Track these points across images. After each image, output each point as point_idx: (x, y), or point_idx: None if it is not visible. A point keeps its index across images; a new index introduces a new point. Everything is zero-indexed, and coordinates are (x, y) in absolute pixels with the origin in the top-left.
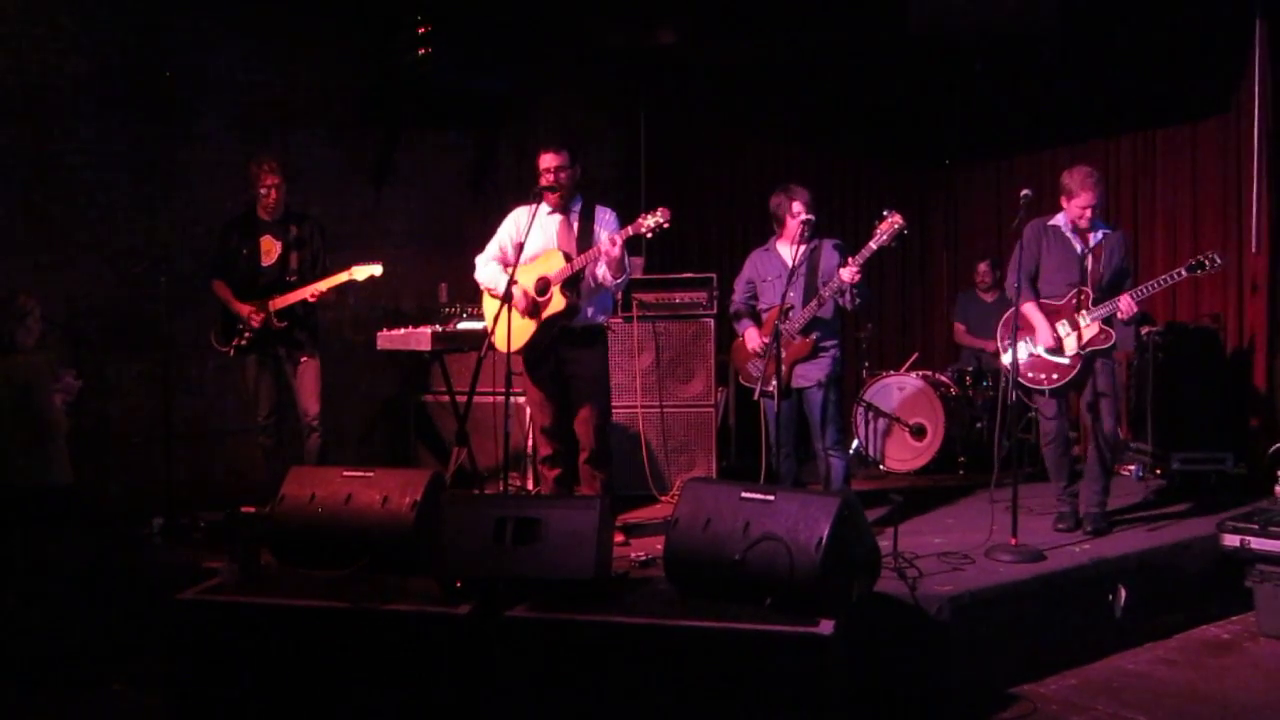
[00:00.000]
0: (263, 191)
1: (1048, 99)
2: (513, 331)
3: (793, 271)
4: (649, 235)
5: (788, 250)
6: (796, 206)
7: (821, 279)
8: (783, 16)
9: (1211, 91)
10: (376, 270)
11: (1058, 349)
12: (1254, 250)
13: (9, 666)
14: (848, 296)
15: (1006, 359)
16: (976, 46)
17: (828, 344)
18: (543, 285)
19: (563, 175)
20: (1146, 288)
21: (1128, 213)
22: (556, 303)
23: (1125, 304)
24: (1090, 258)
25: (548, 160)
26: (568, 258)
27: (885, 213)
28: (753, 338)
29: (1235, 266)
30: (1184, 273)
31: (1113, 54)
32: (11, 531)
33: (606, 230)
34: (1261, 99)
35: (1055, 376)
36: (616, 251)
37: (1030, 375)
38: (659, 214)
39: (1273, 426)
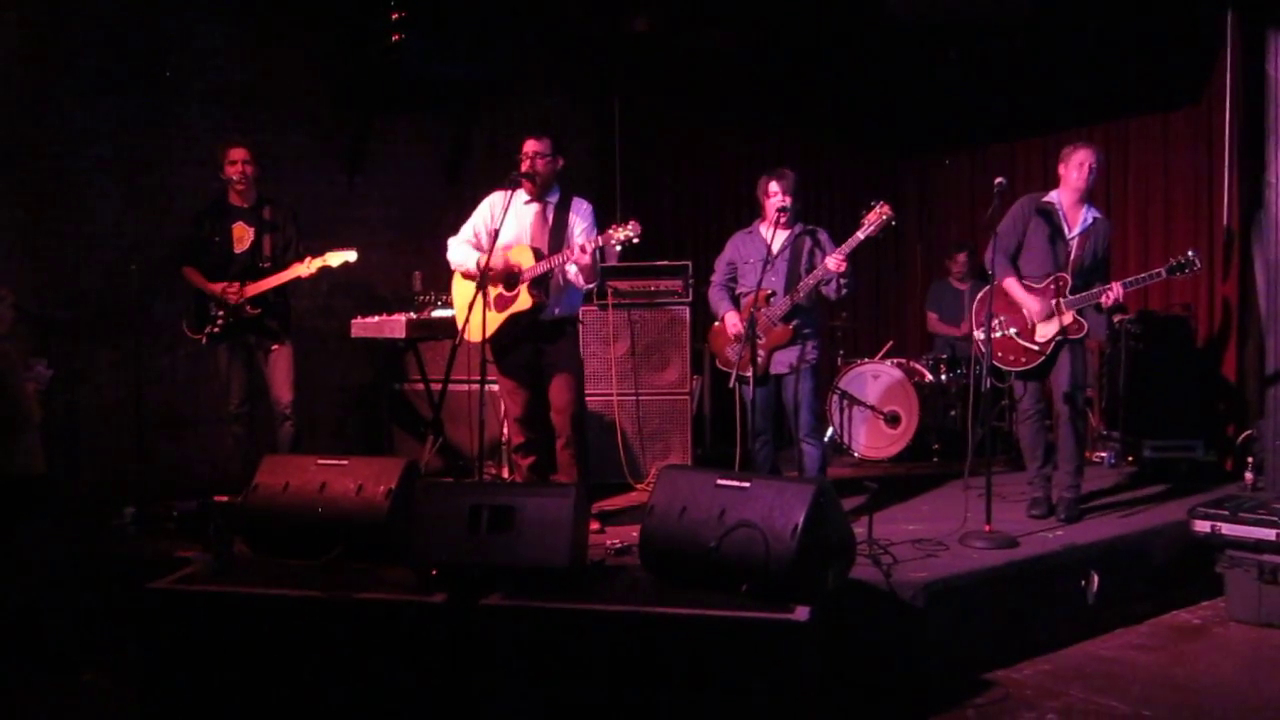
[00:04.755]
0: (232, 173)
1: (1021, 88)
2: (484, 321)
3: (773, 257)
4: (619, 248)
5: (769, 234)
6: (773, 187)
7: (803, 267)
8: (757, 4)
9: (1183, 81)
10: (351, 256)
11: (1030, 333)
12: (1225, 240)
13: None
14: (834, 285)
15: (980, 335)
16: (950, 35)
17: (807, 331)
18: (511, 280)
19: (541, 162)
20: (1130, 283)
21: (1100, 202)
22: (523, 300)
23: (1116, 290)
24: (1075, 244)
25: (530, 146)
26: (538, 255)
27: (873, 203)
28: (733, 322)
29: (1206, 256)
30: (1164, 273)
31: (1085, 43)
32: None
33: (582, 223)
34: (1233, 89)
35: (1024, 360)
36: (587, 260)
37: (1000, 355)
38: (630, 227)
39: (1243, 414)
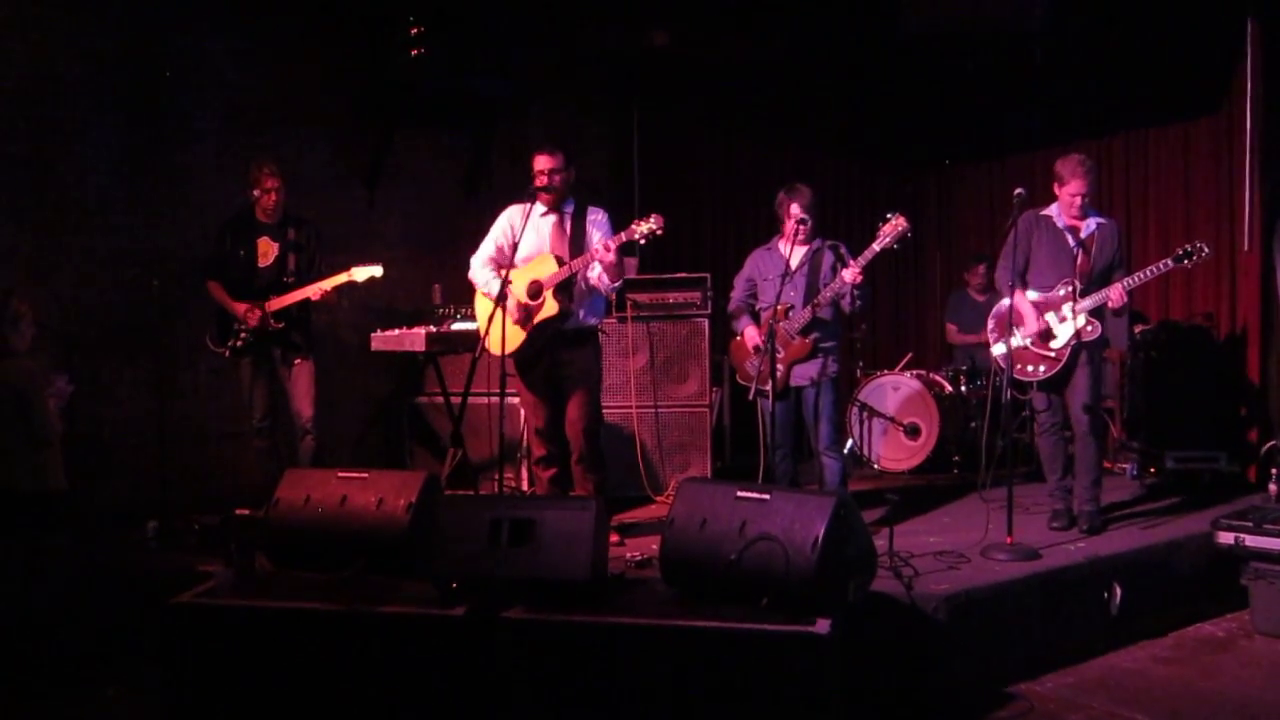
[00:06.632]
0: (260, 193)
1: (1040, 99)
2: (505, 335)
3: (791, 272)
4: (643, 242)
5: (788, 249)
6: (795, 208)
7: (823, 280)
8: (775, 17)
9: (1203, 91)
10: (377, 271)
11: (1045, 340)
12: (1246, 249)
13: (5, 672)
14: (848, 299)
15: (995, 350)
16: (968, 47)
17: (827, 344)
18: (535, 289)
19: (556, 177)
20: (1135, 279)
21: (1120, 212)
22: (549, 307)
23: (1116, 294)
24: (1081, 251)
25: (542, 162)
26: (560, 262)
27: (889, 215)
28: (752, 336)
29: (1228, 265)
30: (1170, 263)
31: (1105, 54)
32: (6, 537)
33: (599, 231)
34: (1253, 99)
35: (1042, 369)
36: (612, 258)
37: (1018, 367)
38: (652, 220)
39: (1266, 424)
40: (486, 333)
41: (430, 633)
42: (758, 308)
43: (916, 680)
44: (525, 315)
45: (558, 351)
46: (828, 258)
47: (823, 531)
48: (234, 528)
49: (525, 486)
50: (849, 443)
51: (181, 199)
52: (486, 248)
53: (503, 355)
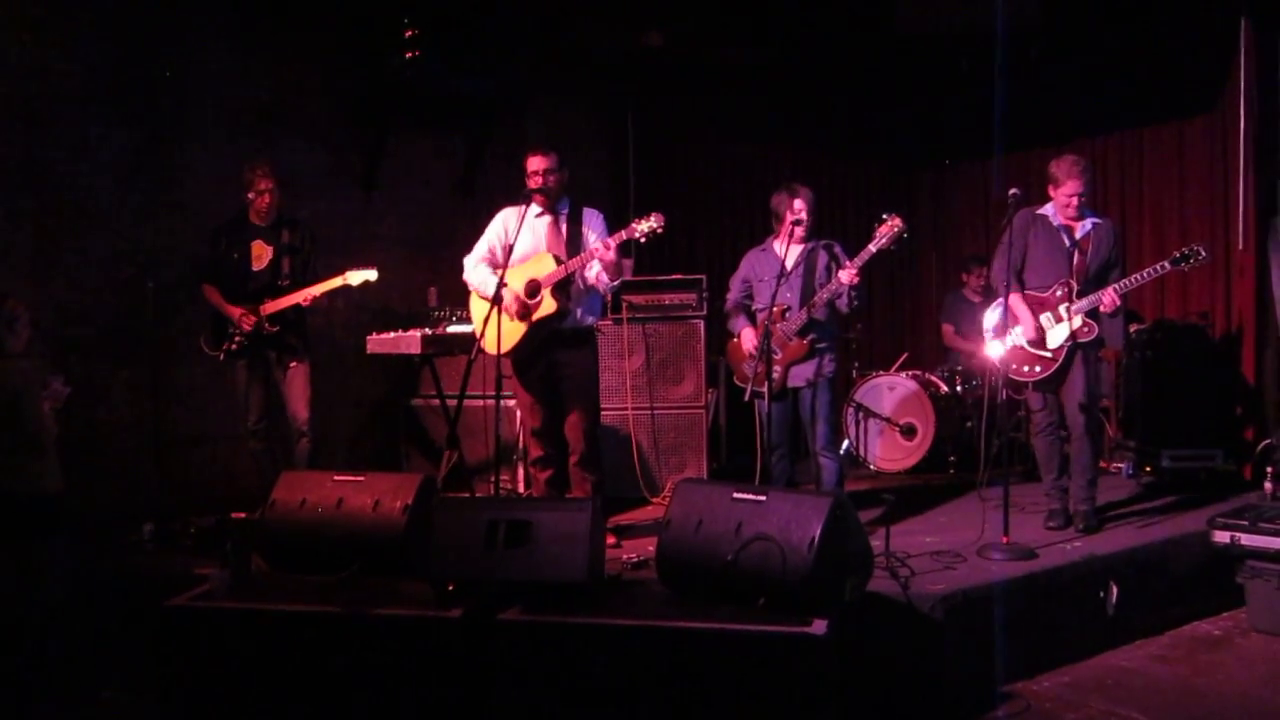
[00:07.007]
0: (253, 195)
1: (1035, 99)
2: (502, 334)
3: (787, 272)
4: (643, 240)
5: (783, 249)
6: (798, 204)
7: (818, 281)
8: (770, 17)
9: (1198, 90)
10: (371, 275)
11: (1041, 341)
12: (1240, 247)
13: (1, 674)
14: (845, 299)
15: (991, 350)
16: (962, 46)
17: (823, 344)
18: (533, 288)
19: (551, 178)
20: (1131, 281)
21: (1115, 211)
22: (547, 305)
23: (1108, 298)
24: (1077, 251)
25: (536, 163)
26: (558, 260)
27: (885, 215)
28: (749, 338)
29: (1223, 264)
30: (1168, 265)
31: (1100, 53)
32: (1, 540)
33: (594, 232)
34: (1247, 97)
35: (1038, 369)
36: (612, 256)
37: (1014, 367)
38: (653, 219)
39: (1262, 422)
40: (483, 334)
41: (427, 634)
42: (754, 308)
43: (913, 680)
44: (524, 310)
45: (556, 352)
46: (822, 257)
47: (819, 532)
48: (230, 530)
49: (521, 488)
50: (845, 443)
51: (178, 201)
52: (480, 249)
53: (498, 356)
